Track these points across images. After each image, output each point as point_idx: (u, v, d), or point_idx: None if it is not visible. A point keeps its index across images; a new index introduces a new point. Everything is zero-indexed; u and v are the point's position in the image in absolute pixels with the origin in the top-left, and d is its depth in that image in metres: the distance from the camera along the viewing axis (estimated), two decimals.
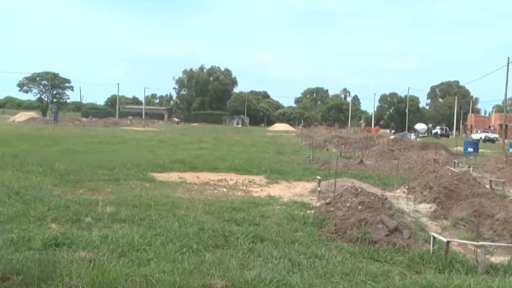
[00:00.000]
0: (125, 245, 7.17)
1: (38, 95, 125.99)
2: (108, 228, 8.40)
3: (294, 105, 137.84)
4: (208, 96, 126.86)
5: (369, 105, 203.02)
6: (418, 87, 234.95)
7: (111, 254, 6.80)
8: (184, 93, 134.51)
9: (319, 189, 12.48)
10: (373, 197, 10.15)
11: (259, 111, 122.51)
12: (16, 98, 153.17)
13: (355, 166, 21.09)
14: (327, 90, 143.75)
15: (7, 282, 5.63)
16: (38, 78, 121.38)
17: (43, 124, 61.24)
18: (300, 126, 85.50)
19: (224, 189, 13.66)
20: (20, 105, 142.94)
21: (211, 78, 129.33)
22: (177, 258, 6.73)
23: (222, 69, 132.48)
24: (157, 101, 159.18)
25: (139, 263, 6.47)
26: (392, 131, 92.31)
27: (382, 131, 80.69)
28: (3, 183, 12.24)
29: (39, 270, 5.93)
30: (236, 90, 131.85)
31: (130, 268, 6.21)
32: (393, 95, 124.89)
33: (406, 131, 78.43)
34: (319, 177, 13.19)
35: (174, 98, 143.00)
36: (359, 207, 9.61)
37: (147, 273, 6.02)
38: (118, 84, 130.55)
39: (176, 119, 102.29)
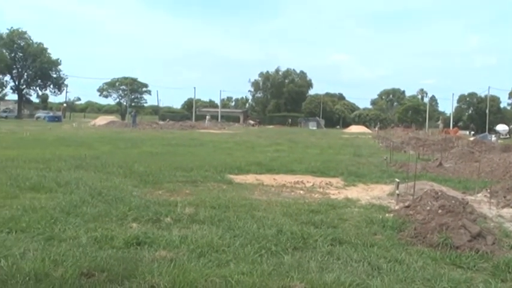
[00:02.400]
0: (204, 246, 7.26)
1: (117, 100, 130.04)
2: (187, 228, 8.54)
3: (370, 106, 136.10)
4: (284, 99, 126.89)
5: (447, 106, 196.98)
6: (499, 86, 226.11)
7: (191, 254, 6.91)
8: (259, 95, 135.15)
9: (397, 192, 12.25)
10: (453, 201, 9.87)
11: (334, 113, 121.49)
12: (96, 103, 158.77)
13: (433, 169, 20.57)
14: (403, 91, 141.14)
15: (92, 279, 5.83)
16: (117, 83, 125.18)
17: (122, 127, 63.02)
18: (376, 128, 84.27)
19: (301, 192, 13.64)
20: (100, 109, 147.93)
21: (286, 81, 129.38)
22: (256, 260, 6.75)
23: (298, 71, 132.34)
24: (233, 103, 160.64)
25: (219, 264, 6.55)
26: (472, 132, 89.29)
27: (461, 132, 78.20)
28: (86, 183, 12.66)
29: (122, 268, 6.11)
30: (311, 92, 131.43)
31: (210, 269, 6.29)
32: (472, 95, 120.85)
33: (487, 133, 75.60)
34: (397, 180, 12.95)
35: (250, 100, 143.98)
36: (439, 211, 9.36)
37: (227, 274, 6.09)
38: (194, 87, 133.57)
39: (252, 122, 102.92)
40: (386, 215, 10.34)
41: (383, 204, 11.74)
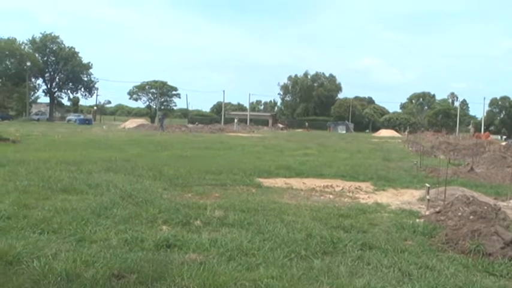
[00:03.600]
0: (233, 249, 7.25)
1: (147, 103, 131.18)
2: (217, 231, 8.54)
3: (400, 110, 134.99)
4: (313, 102, 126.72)
5: (478, 110, 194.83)
6: None
7: (221, 258, 6.90)
8: (288, 99, 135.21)
9: (428, 197, 12.11)
10: (485, 207, 9.71)
11: (364, 117, 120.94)
12: (126, 106, 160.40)
13: (465, 174, 20.28)
14: (433, 95, 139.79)
15: (122, 280, 5.87)
16: (147, 87, 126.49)
17: (152, 130, 63.49)
18: (406, 132, 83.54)
19: (331, 196, 13.57)
20: (130, 112, 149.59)
21: (315, 84, 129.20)
22: (286, 264, 6.73)
23: (327, 75, 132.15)
24: (261, 107, 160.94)
25: (248, 268, 6.54)
26: (504, 137, 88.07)
27: (492, 137, 77.12)
28: (116, 186, 12.77)
29: (152, 270, 6.14)
30: (340, 96, 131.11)
31: (240, 272, 6.28)
32: (504, 98, 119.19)
33: None
34: (428, 185, 12.79)
35: (279, 104, 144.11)
36: (471, 217, 9.22)
37: (256, 277, 6.07)
38: (223, 91, 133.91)
39: (281, 125, 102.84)
40: (417, 220, 10.23)
41: (413, 210, 11.62)
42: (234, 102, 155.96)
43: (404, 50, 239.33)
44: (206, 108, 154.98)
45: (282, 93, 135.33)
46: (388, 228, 9.34)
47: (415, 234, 8.87)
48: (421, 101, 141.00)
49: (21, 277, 5.86)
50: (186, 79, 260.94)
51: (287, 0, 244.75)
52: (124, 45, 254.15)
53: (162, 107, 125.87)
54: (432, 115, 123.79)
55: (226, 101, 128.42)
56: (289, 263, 6.80)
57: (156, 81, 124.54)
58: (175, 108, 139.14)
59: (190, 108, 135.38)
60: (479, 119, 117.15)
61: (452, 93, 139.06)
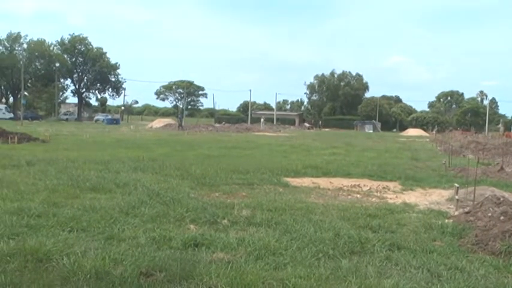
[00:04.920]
0: (261, 248, 7.25)
1: (174, 102, 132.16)
2: (244, 231, 8.56)
3: (427, 109, 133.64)
4: (339, 102, 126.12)
5: (508, 109, 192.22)
6: None
7: (248, 257, 6.91)
8: (315, 98, 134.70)
9: (457, 197, 11.97)
10: None
11: (391, 116, 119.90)
12: (153, 106, 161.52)
13: (494, 174, 19.98)
14: (462, 94, 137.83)
15: (151, 278, 5.93)
16: (174, 87, 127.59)
17: (179, 130, 63.81)
18: (434, 132, 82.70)
19: (358, 195, 13.50)
20: (157, 112, 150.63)
21: (342, 83, 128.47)
22: (313, 263, 6.72)
23: (353, 74, 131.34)
24: (288, 106, 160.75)
25: (276, 267, 6.53)
26: None
27: None
28: (144, 185, 12.87)
29: (180, 269, 6.17)
30: (367, 95, 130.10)
31: (267, 271, 6.29)
32: None
33: None
34: (456, 185, 12.65)
35: (305, 103, 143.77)
36: (501, 217, 9.08)
37: (284, 277, 6.07)
38: (250, 90, 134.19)
39: (307, 124, 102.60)
40: (446, 220, 10.11)
41: (442, 210, 11.49)
42: (261, 101, 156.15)
43: (432, 48, 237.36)
44: (233, 107, 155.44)
45: (308, 92, 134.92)
46: (416, 228, 9.25)
47: (444, 235, 8.77)
48: (450, 99, 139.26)
49: (52, 274, 5.94)
50: (213, 79, 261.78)
51: None
52: (151, 46, 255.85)
53: (189, 107, 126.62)
54: (461, 114, 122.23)
55: (252, 100, 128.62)
56: (316, 262, 6.78)
57: (182, 81, 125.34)
58: (201, 107, 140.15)
59: (217, 108, 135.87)
60: (509, 117, 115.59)
61: (482, 92, 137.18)
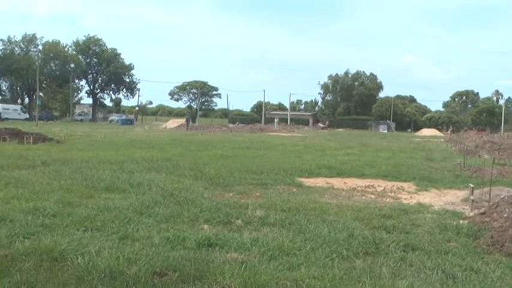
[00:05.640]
0: (275, 249, 7.24)
1: (188, 103, 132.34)
2: (258, 231, 8.55)
3: (442, 109, 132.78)
4: (353, 101, 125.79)
5: None
6: None
7: (262, 257, 6.90)
8: (329, 98, 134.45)
9: (472, 198, 11.87)
10: None
11: (405, 116, 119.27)
12: (167, 106, 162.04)
13: (510, 174, 19.78)
14: (477, 93, 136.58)
15: (164, 278, 5.94)
16: (187, 87, 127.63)
17: (192, 130, 63.97)
18: (449, 132, 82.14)
19: (372, 196, 13.44)
20: (171, 113, 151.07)
21: (356, 83, 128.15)
22: (327, 264, 6.69)
23: (367, 73, 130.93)
24: (302, 106, 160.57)
25: (290, 267, 6.52)
26: None
27: None
28: (158, 185, 12.92)
29: (193, 268, 6.19)
30: (381, 94, 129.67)
31: (281, 272, 6.28)
32: None
33: None
34: (472, 185, 12.55)
35: (319, 103, 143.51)
36: None
37: (297, 277, 6.06)
38: (264, 90, 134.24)
39: (321, 125, 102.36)
40: (461, 221, 10.03)
41: (457, 210, 11.40)
42: (275, 101, 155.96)
43: (447, 47, 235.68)
44: (246, 108, 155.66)
45: (322, 92, 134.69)
46: (431, 229, 9.19)
47: (459, 236, 8.69)
48: (464, 99, 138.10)
49: (66, 273, 5.98)
50: (227, 79, 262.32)
51: None
52: (165, 46, 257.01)
53: (203, 107, 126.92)
54: (476, 114, 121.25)
55: (266, 100, 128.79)
56: (330, 263, 6.75)
57: (196, 82, 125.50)
58: (215, 108, 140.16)
59: (230, 108, 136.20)
60: None
61: (497, 91, 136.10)
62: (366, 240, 7.90)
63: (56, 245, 6.93)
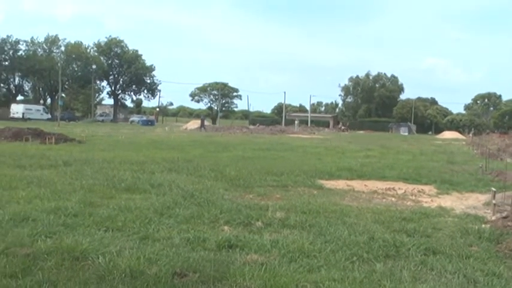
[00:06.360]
0: (295, 251, 7.23)
1: (208, 104, 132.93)
2: (278, 233, 8.53)
3: (464, 112, 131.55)
4: (374, 104, 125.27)
5: None
6: None
7: (282, 259, 6.88)
8: (350, 100, 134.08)
9: (494, 201, 11.74)
10: None
11: (426, 118, 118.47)
12: (188, 107, 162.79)
13: None
14: (500, 96, 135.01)
15: (185, 279, 5.95)
16: (208, 88, 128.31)
17: (213, 131, 64.15)
18: (471, 134, 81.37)
19: (393, 199, 13.34)
20: (191, 114, 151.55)
21: (377, 85, 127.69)
22: (347, 267, 6.65)
23: (388, 75, 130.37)
24: (322, 108, 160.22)
25: (310, 269, 6.50)
26: None
27: None
28: (178, 186, 12.96)
29: (213, 270, 6.19)
30: (403, 97, 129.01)
31: (301, 274, 6.26)
32: None
33: None
34: (494, 189, 12.41)
35: (340, 105, 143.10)
36: None
37: (318, 279, 6.04)
38: (284, 92, 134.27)
39: (342, 127, 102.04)
40: (483, 225, 9.92)
41: (479, 214, 11.27)
42: (295, 103, 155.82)
43: (469, 49, 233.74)
44: (267, 109, 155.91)
45: (343, 94, 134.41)
46: (452, 233, 9.09)
47: (481, 240, 8.59)
48: (487, 101, 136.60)
49: (87, 272, 6.03)
50: (247, 80, 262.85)
51: (349, 0, 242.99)
52: (186, 48, 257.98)
53: (223, 109, 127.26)
54: (498, 116, 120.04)
55: (287, 102, 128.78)
56: (351, 265, 6.72)
57: (217, 83, 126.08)
58: (236, 109, 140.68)
59: (251, 110, 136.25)
60: None
61: None
62: (386, 244, 7.84)
63: (77, 244, 6.99)
